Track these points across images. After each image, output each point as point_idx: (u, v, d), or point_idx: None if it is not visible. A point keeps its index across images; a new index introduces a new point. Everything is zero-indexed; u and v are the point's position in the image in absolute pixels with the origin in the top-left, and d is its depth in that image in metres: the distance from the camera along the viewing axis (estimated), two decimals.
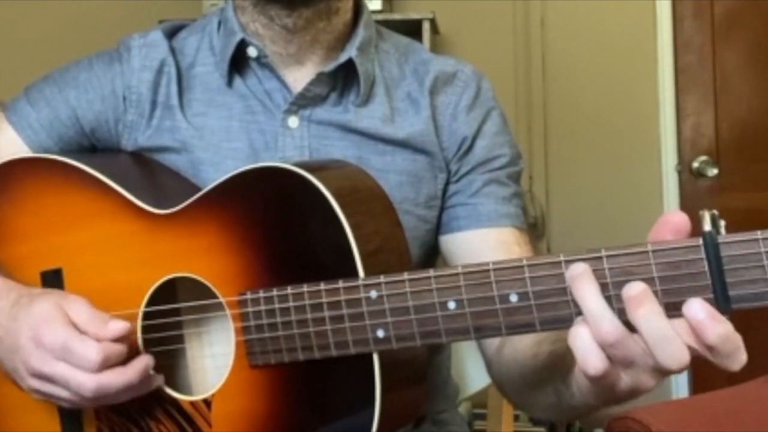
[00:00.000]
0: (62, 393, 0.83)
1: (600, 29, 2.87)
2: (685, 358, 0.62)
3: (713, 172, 2.81)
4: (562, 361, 0.76)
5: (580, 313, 0.66)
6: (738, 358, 0.62)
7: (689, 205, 2.79)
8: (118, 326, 0.82)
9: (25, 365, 0.83)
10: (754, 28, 2.82)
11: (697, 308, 0.62)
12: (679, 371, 0.63)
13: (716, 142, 2.84)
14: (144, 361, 0.84)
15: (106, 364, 0.81)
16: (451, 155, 1.02)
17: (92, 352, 0.80)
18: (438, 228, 1.04)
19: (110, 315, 0.84)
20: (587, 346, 0.64)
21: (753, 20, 2.82)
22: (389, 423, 0.79)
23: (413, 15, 2.60)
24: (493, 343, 0.97)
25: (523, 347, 0.88)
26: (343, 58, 0.98)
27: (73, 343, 0.81)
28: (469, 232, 1.01)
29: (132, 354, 0.84)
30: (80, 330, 0.83)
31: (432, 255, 1.06)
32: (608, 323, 0.63)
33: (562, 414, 0.82)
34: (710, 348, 0.62)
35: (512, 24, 2.91)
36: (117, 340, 0.82)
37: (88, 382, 0.80)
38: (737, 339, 0.62)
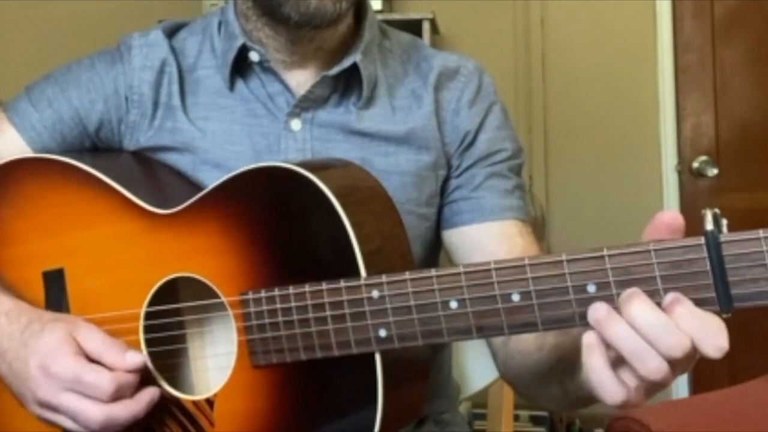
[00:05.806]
0: (67, 423, 0.82)
1: (600, 29, 2.87)
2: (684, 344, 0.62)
3: (713, 172, 2.81)
4: (567, 354, 0.76)
5: (582, 314, 0.66)
6: (711, 342, 0.62)
7: (689, 205, 2.79)
8: (136, 359, 0.82)
9: (32, 394, 0.83)
10: (754, 28, 2.82)
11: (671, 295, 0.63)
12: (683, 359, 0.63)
13: (716, 142, 2.84)
14: (150, 394, 0.83)
15: (118, 395, 0.80)
16: (453, 150, 1.03)
17: (105, 381, 0.80)
18: (440, 223, 1.04)
19: (124, 343, 0.84)
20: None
21: (753, 20, 2.82)
22: (391, 422, 0.79)
23: (413, 15, 2.61)
24: None
25: (527, 339, 0.88)
26: (347, 62, 0.98)
27: (85, 373, 0.80)
28: (472, 226, 1.01)
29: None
30: (91, 358, 0.82)
31: (434, 251, 1.06)
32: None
33: (569, 405, 0.82)
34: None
35: (512, 24, 2.91)
36: (131, 371, 0.81)
37: (96, 414, 0.80)
38: (708, 319, 0.62)
